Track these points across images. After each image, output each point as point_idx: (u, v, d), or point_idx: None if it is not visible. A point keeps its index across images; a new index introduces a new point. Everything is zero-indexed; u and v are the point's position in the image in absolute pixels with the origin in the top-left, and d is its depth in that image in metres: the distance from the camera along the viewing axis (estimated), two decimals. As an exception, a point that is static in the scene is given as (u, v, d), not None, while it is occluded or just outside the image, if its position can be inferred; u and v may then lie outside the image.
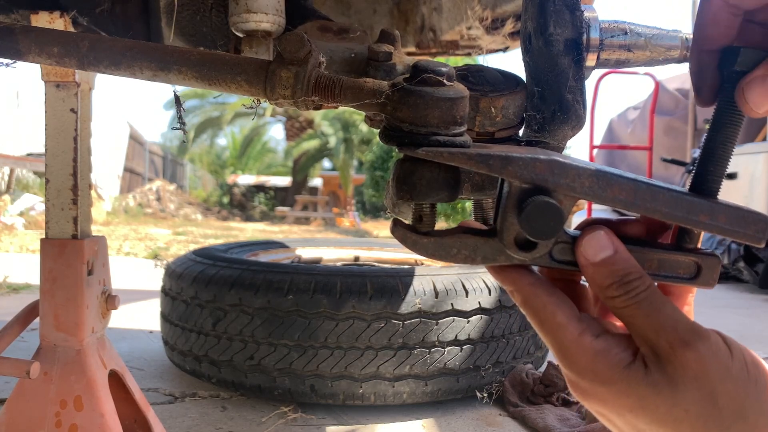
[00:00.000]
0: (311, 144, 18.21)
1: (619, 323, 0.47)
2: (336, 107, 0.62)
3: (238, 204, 19.18)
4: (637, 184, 0.43)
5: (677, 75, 8.42)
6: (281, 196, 20.08)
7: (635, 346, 0.42)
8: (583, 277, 0.46)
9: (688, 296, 0.48)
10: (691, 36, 0.61)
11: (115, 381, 1.06)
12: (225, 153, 29.63)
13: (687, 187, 0.46)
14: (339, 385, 1.55)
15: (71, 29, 0.96)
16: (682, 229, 0.45)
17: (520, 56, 0.64)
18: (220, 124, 20.11)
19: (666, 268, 0.45)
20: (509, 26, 1.27)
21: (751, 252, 4.24)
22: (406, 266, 1.94)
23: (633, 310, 0.41)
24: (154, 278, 3.87)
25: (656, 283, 0.44)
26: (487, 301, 1.63)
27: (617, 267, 0.42)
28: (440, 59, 1.67)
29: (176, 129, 0.59)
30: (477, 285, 1.65)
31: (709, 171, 0.45)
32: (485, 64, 0.62)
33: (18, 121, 11.56)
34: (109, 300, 1.05)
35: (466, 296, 1.61)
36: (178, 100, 0.61)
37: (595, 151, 5.56)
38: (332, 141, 17.27)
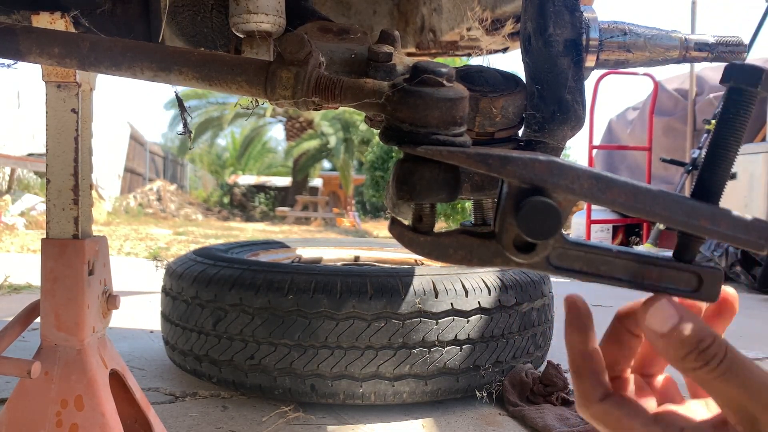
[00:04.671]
0: (311, 144, 18.19)
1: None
2: (336, 107, 0.62)
3: (239, 204, 19.16)
4: (637, 187, 0.42)
5: (676, 75, 8.39)
6: (281, 197, 20.06)
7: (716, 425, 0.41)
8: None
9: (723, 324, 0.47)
10: (690, 36, 0.62)
11: (116, 380, 1.06)
12: (225, 153, 29.60)
13: (687, 186, 0.45)
14: (339, 384, 1.55)
15: (72, 30, 0.96)
16: (681, 241, 0.44)
17: (520, 57, 0.65)
18: (221, 124, 20.08)
19: (666, 280, 0.44)
20: (509, 27, 1.27)
21: (748, 256, 4.24)
22: (406, 266, 1.94)
23: (721, 382, 0.39)
24: (154, 278, 3.87)
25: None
26: (487, 301, 1.64)
27: (687, 334, 0.40)
28: (440, 60, 1.67)
29: (182, 134, 0.60)
30: (477, 285, 1.65)
31: (710, 178, 0.44)
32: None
33: (19, 122, 11.55)
34: (110, 300, 1.05)
35: (466, 296, 1.61)
36: (181, 104, 0.62)
37: (594, 151, 5.55)
38: (332, 141, 17.25)
